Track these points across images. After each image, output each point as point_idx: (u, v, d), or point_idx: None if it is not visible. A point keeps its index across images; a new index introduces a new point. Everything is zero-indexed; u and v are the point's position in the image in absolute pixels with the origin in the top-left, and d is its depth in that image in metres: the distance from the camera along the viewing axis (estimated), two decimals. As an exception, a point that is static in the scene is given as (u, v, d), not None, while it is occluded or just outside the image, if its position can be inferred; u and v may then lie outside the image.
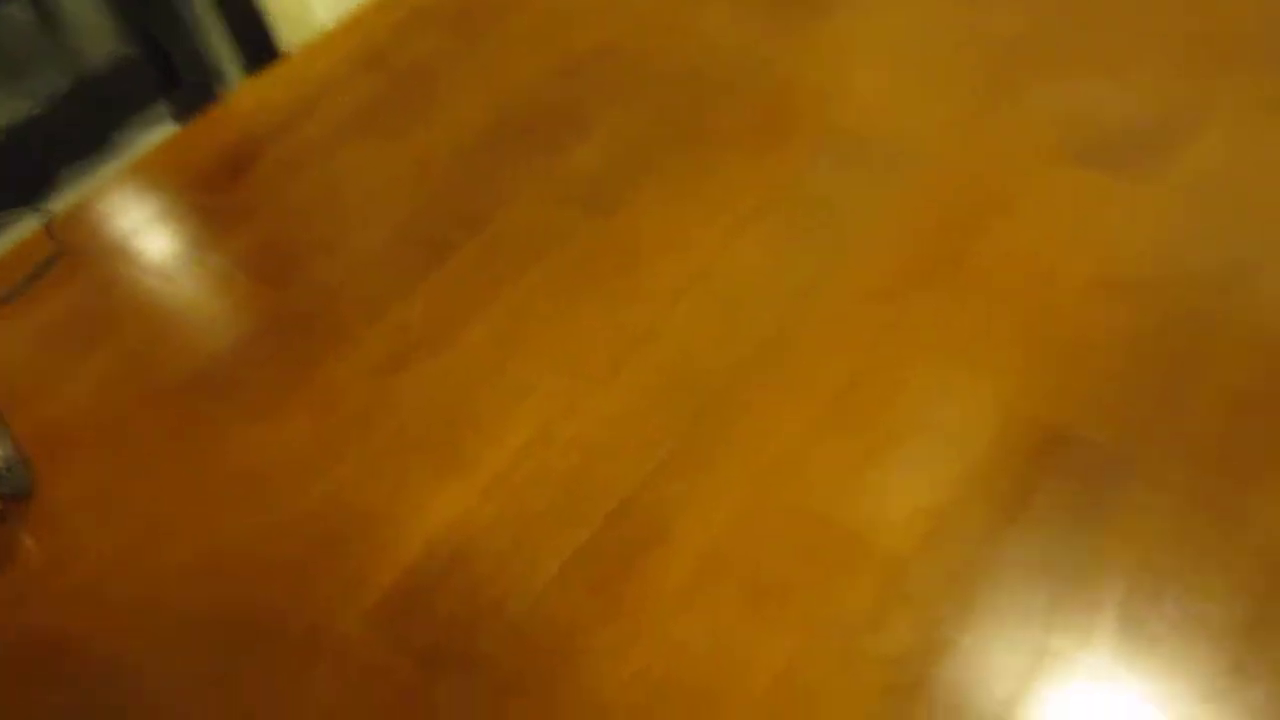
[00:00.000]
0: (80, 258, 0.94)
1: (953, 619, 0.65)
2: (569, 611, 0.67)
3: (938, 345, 0.78)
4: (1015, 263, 0.82)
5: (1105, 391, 0.74)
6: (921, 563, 0.67)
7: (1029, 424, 0.73)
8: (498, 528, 0.71)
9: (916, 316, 0.80)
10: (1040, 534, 0.67)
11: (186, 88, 1.18)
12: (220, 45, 1.19)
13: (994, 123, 0.91)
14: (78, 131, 1.18)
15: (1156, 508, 0.67)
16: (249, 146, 0.99)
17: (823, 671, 0.63)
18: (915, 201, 0.88)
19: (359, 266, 0.88)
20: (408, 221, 0.91)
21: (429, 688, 0.64)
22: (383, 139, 0.98)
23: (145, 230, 0.94)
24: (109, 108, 1.21)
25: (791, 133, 0.94)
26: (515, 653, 0.65)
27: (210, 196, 0.95)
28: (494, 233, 0.89)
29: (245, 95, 1.05)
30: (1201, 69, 0.90)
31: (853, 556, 0.68)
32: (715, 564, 0.68)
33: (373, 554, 0.71)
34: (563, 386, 0.78)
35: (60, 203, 1.10)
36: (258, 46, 1.17)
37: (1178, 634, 0.62)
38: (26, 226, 0.99)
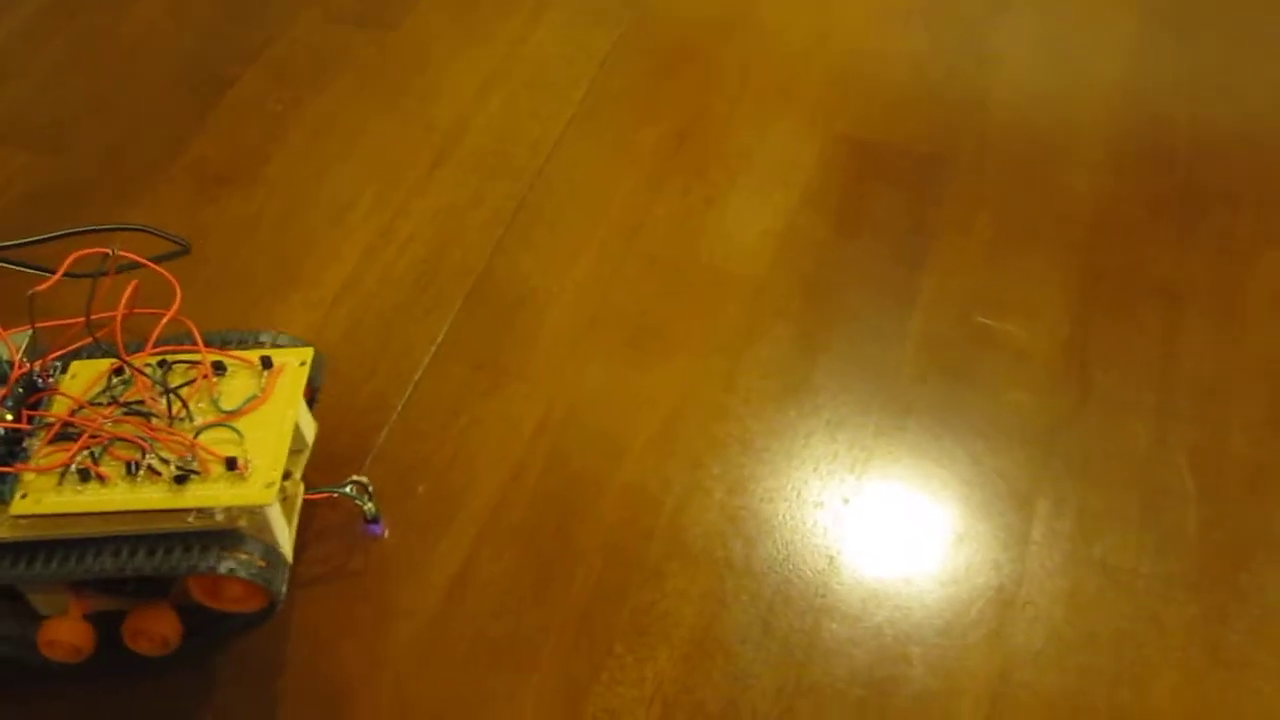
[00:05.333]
0: None
1: (821, 324, 0.68)
2: (456, 387, 0.66)
3: (750, 91, 0.81)
4: (799, 10, 0.86)
5: (906, 104, 0.79)
6: (778, 280, 0.70)
7: (846, 143, 0.77)
8: (358, 331, 0.70)
9: (723, 69, 0.83)
10: (878, 237, 0.72)
11: None
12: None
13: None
14: None
15: (977, 195, 0.73)
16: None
17: (715, 387, 0.65)
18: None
19: (139, 119, 0.82)
20: (176, 69, 0.86)
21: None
22: (123, -7, 0.92)
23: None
24: None
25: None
26: (413, 441, 0.64)
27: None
28: (272, 60, 0.86)
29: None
30: None
31: (716, 285, 0.70)
32: (587, 314, 0.69)
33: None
34: (387, 192, 0.77)
35: None
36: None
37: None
38: None
